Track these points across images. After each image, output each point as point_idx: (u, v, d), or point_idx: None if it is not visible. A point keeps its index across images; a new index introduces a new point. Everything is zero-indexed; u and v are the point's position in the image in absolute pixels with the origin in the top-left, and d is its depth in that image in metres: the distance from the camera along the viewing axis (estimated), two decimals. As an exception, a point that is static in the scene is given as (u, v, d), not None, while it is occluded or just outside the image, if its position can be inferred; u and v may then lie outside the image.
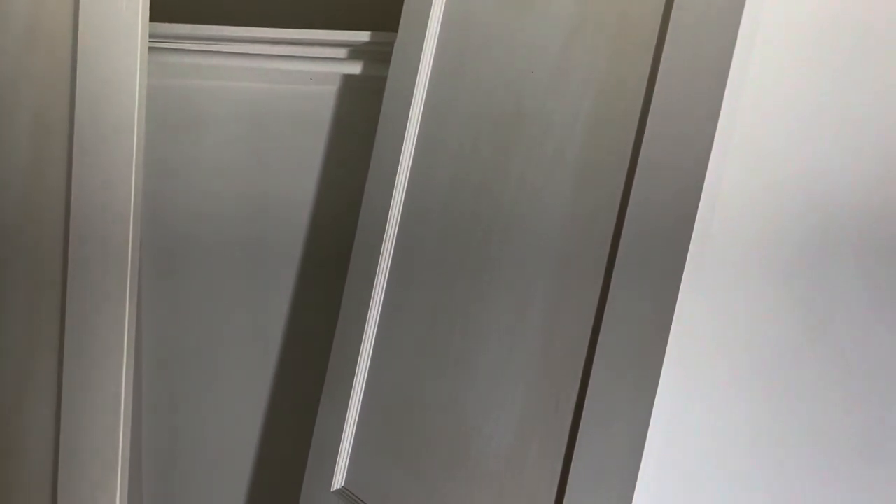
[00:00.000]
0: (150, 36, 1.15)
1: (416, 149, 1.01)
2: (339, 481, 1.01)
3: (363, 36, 1.17)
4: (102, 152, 1.01)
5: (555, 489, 0.71)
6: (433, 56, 1.01)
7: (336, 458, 1.01)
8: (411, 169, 1.01)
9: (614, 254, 0.70)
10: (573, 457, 0.69)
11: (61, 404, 1.02)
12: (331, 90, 1.22)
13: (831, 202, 0.67)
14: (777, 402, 0.68)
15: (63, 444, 1.02)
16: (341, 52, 1.20)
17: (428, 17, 1.01)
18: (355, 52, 1.20)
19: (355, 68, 1.21)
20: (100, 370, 1.01)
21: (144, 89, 1.04)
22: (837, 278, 0.68)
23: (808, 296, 0.67)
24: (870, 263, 0.69)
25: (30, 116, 1.03)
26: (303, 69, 1.21)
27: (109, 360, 1.01)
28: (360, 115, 1.20)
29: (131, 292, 1.02)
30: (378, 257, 1.01)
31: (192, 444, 1.29)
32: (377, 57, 1.18)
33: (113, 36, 1.01)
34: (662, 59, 0.69)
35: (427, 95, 1.00)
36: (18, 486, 1.04)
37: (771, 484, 0.68)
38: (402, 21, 1.06)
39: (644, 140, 0.69)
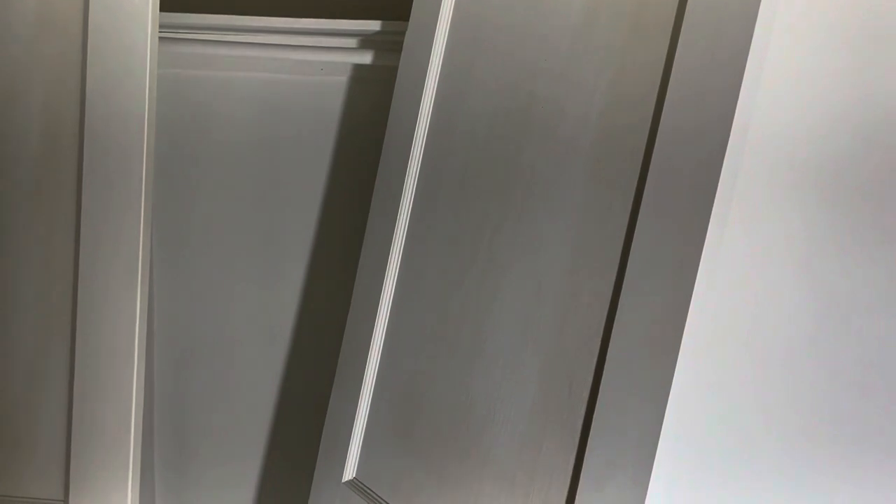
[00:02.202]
0: (161, 26, 1.15)
1: (427, 138, 1.00)
2: (350, 472, 1.01)
3: (374, 25, 1.16)
4: (112, 140, 1.01)
5: (569, 475, 0.71)
6: (445, 44, 1.00)
7: (347, 448, 1.01)
8: (422, 160, 1.00)
9: (630, 239, 0.69)
10: (588, 442, 0.68)
11: (73, 391, 1.02)
12: (342, 80, 1.22)
13: (849, 192, 0.66)
14: (793, 390, 0.67)
15: (75, 431, 1.02)
16: (352, 42, 1.20)
17: (439, 5, 1.00)
18: (366, 41, 1.19)
19: (366, 58, 1.20)
20: (111, 360, 1.02)
21: (155, 78, 1.04)
22: (859, 266, 0.67)
23: (828, 285, 0.66)
24: (888, 251, 0.68)
25: (40, 104, 1.03)
26: (313, 59, 1.21)
27: (121, 348, 1.02)
28: (372, 104, 1.20)
29: (142, 281, 1.02)
30: (389, 247, 1.00)
31: (203, 435, 1.29)
32: (388, 46, 1.18)
33: (123, 25, 1.01)
34: (680, 42, 0.68)
35: (438, 84, 1.00)
36: (31, 474, 1.05)
37: (787, 470, 0.67)
38: (413, 10, 1.05)
39: (659, 131, 0.68)
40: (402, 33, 1.06)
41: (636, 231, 0.68)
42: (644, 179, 0.69)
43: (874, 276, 0.66)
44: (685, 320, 0.63)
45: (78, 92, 1.02)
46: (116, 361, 1.02)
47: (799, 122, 0.65)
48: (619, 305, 0.69)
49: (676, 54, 0.68)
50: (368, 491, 0.97)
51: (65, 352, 1.03)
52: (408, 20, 1.06)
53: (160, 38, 1.17)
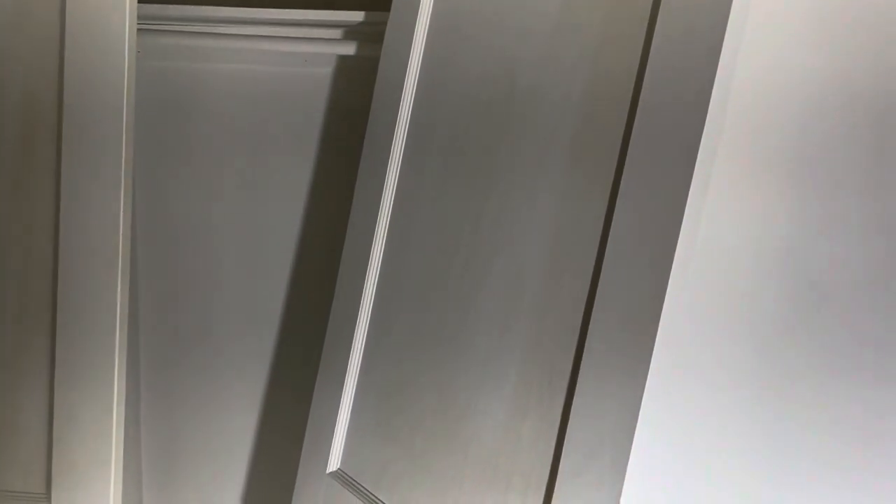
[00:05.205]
0: (144, 18, 1.15)
1: (408, 129, 1.00)
2: (334, 463, 1.01)
3: (357, 16, 1.16)
4: (91, 131, 1.00)
5: (548, 464, 0.71)
6: (426, 33, 1.00)
7: (331, 440, 1.01)
8: (404, 150, 1.00)
9: (608, 226, 0.69)
10: (567, 430, 0.68)
11: (54, 384, 1.02)
12: (326, 71, 1.21)
13: (829, 177, 0.66)
14: (771, 377, 0.67)
15: (57, 424, 1.02)
16: (336, 33, 1.19)
17: (421, -6, 1.00)
18: (350, 32, 1.19)
19: (350, 49, 1.20)
20: (92, 352, 1.01)
21: (133, 68, 1.03)
22: (839, 252, 0.67)
23: (808, 269, 0.66)
24: (869, 236, 0.68)
25: (19, 96, 1.03)
26: (297, 50, 1.20)
27: (102, 340, 1.01)
28: (356, 95, 1.19)
29: (123, 273, 1.02)
30: (371, 238, 1.00)
31: (189, 427, 1.29)
32: (372, 37, 1.17)
33: (101, 15, 1.01)
34: (657, 27, 0.68)
35: (420, 73, 1.00)
36: (13, 468, 1.04)
37: (764, 455, 0.67)
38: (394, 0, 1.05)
39: (636, 119, 0.68)
40: (385, 24, 1.06)
41: (614, 218, 0.68)
42: (622, 166, 0.69)
43: (854, 261, 0.66)
44: (661, 309, 0.63)
45: (56, 83, 1.02)
46: (98, 354, 1.01)
47: (778, 103, 0.65)
48: (597, 294, 0.69)
49: (653, 40, 0.68)
50: (353, 481, 0.97)
51: (45, 345, 1.03)
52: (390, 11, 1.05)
53: (143, 30, 1.16)
